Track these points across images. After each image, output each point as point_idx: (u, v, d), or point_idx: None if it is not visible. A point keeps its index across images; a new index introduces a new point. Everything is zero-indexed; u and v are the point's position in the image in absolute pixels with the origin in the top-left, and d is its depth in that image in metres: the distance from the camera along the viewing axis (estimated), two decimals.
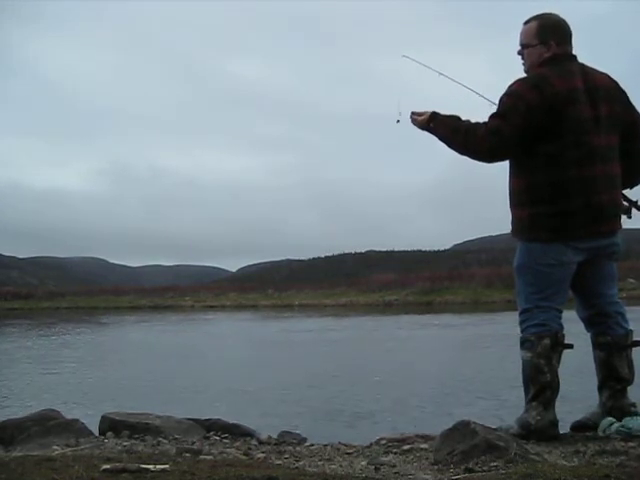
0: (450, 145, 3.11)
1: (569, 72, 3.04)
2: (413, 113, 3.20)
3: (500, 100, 3.06)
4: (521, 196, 3.09)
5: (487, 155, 3.08)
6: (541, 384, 2.99)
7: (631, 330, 3.17)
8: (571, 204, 2.97)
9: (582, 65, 3.11)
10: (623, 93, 3.16)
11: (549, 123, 2.97)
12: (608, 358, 3.13)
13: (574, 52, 3.15)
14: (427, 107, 3.17)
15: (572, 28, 3.16)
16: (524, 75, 3.15)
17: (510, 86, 3.06)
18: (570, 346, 3.09)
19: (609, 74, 3.16)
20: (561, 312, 3.10)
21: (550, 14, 3.16)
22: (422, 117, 3.16)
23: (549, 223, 3.01)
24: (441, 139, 3.13)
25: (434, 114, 3.13)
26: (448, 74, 3.55)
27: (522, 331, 3.09)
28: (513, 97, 3.00)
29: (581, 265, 3.07)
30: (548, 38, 3.09)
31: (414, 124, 3.19)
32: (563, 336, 3.06)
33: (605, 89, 3.08)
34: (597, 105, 3.02)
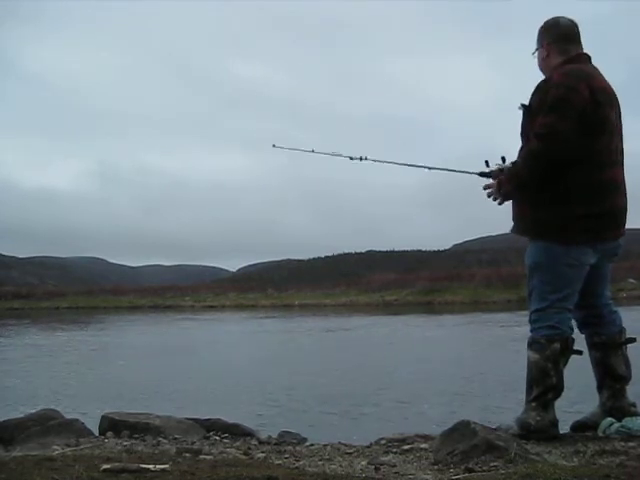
0: (521, 185, 2.98)
1: (596, 71, 3.05)
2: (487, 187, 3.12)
3: (545, 95, 2.93)
4: (552, 194, 2.96)
5: (554, 156, 2.88)
6: (545, 386, 2.98)
7: (624, 328, 3.17)
8: (604, 205, 2.96)
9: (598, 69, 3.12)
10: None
11: (595, 119, 2.90)
12: (604, 357, 3.13)
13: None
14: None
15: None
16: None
17: (550, 78, 2.97)
18: (579, 352, 3.07)
19: None
20: (572, 313, 3.08)
21: (555, 17, 3.17)
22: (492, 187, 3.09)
23: (583, 225, 2.94)
24: (515, 189, 3.02)
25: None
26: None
27: (532, 330, 3.05)
28: (563, 89, 2.89)
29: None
30: (543, 40, 3.13)
31: (497, 200, 3.09)
32: (573, 341, 3.04)
33: (616, 96, 3.09)
34: (616, 109, 3.06)
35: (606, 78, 3.09)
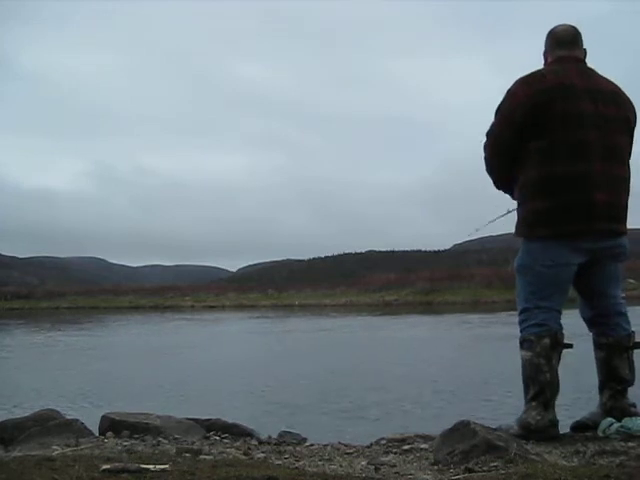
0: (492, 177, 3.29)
1: (565, 69, 3.10)
2: None
3: None
4: (520, 193, 3.14)
5: (490, 155, 3.21)
6: (541, 384, 2.99)
7: (633, 331, 3.17)
8: (563, 199, 2.98)
9: (588, 68, 3.16)
10: (631, 102, 3.20)
11: (537, 119, 3.01)
12: (609, 359, 3.13)
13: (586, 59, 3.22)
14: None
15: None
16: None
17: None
18: (570, 345, 3.09)
19: (615, 83, 3.20)
20: (560, 313, 3.10)
21: (555, 25, 3.27)
22: None
23: (544, 219, 3.02)
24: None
25: None
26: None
27: (521, 331, 3.09)
28: (506, 95, 3.13)
29: (585, 265, 3.07)
30: (546, 48, 3.27)
31: None
32: (562, 336, 3.06)
33: (611, 93, 3.12)
34: (601, 104, 3.05)
35: (593, 75, 3.11)
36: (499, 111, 3.14)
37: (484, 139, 3.22)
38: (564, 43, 3.19)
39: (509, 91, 3.12)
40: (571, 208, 2.98)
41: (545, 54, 3.28)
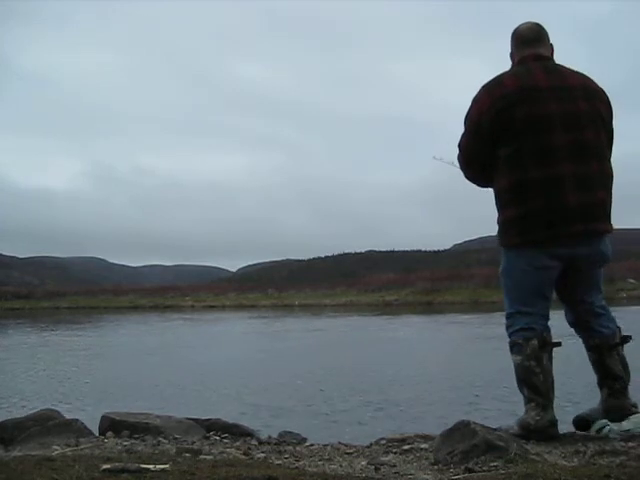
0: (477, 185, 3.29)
1: (527, 70, 3.05)
2: None
3: None
4: (495, 202, 3.12)
5: (463, 167, 3.21)
6: (535, 385, 2.99)
7: (618, 327, 3.16)
8: (532, 205, 2.93)
9: (555, 65, 3.11)
10: (603, 92, 3.12)
11: (503, 125, 2.96)
12: (601, 359, 3.13)
13: (558, 57, 3.18)
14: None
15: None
16: None
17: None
18: (558, 344, 3.08)
19: (587, 75, 3.13)
20: (545, 316, 3.08)
21: (518, 25, 3.24)
22: None
23: (517, 227, 3.00)
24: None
25: None
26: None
27: (509, 336, 3.10)
28: (471, 105, 3.10)
29: (562, 272, 3.05)
30: (511, 49, 3.23)
31: None
32: (550, 336, 3.06)
33: (581, 87, 3.04)
34: (569, 102, 2.97)
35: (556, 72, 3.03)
36: (466, 120, 3.10)
37: (457, 151, 3.20)
38: (528, 41, 3.13)
39: (474, 99, 3.07)
40: (542, 214, 2.93)
41: (511, 55, 3.22)
